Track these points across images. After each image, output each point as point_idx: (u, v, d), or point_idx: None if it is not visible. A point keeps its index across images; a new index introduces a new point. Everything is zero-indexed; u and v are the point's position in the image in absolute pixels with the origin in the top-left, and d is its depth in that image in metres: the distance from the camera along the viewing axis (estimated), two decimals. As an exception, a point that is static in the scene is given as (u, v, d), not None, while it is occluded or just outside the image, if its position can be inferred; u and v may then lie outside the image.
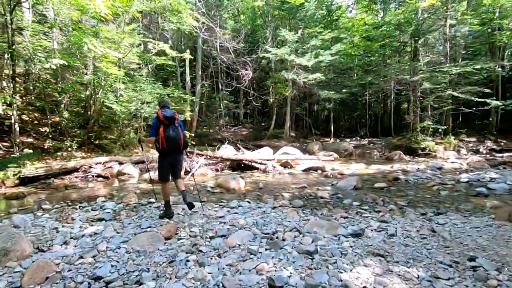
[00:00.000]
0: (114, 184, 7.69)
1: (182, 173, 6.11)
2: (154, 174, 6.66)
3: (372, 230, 3.75)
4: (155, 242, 3.46)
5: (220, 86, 17.48)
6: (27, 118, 10.90)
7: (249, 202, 5.26)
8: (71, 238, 3.73)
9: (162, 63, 13.25)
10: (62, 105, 10.65)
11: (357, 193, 6.12)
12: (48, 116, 10.35)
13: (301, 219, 4.27)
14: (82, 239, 3.65)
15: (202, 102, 14.88)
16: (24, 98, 11.79)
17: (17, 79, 12.33)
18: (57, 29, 10.20)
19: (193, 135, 12.77)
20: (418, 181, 7.21)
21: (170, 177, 4.33)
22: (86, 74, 9.69)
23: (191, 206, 4.26)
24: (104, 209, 4.96)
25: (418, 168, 8.92)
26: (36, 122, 10.97)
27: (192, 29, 11.67)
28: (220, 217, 4.36)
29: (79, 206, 5.20)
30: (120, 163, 9.20)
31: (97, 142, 10.42)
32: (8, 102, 8.17)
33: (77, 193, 6.58)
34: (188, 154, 9.49)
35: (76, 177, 8.41)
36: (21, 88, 11.50)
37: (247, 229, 3.86)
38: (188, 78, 14.02)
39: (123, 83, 11.31)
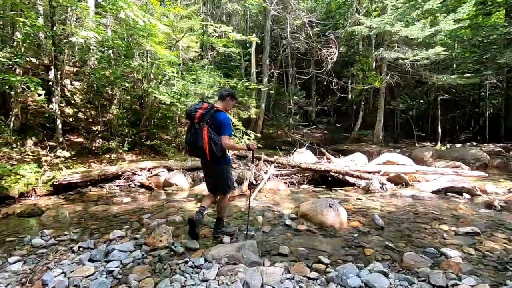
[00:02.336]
0: (156, 199, 5.67)
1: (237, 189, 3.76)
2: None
3: None
4: None
5: (290, 79, 14.86)
6: (83, 116, 9.99)
7: (386, 275, 2.41)
8: None
9: (224, 52, 11.29)
10: (115, 101, 9.40)
11: None
12: (100, 113, 9.20)
13: None
14: None
15: (272, 92, 12.28)
16: (85, 95, 11.13)
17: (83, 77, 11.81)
18: (110, 15, 8.97)
19: (259, 135, 10.38)
20: None
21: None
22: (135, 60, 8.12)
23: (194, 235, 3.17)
24: (109, 260, 2.74)
25: None
26: (90, 120, 10.01)
27: (261, 2, 9.36)
28: None
29: (79, 247, 3.10)
30: (169, 170, 7.29)
31: (148, 143, 8.81)
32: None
33: (102, 212, 4.67)
34: (255, 160, 7.09)
35: (117, 185, 6.75)
36: (84, 86, 10.78)
37: None
38: (253, 68, 11.81)
39: (181, 73, 9.60)
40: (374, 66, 12.42)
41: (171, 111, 9.01)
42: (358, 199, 5.28)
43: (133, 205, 5.17)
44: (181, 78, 9.53)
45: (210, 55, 11.53)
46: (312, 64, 12.91)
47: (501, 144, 14.16)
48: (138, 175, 6.93)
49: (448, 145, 12.91)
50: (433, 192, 5.37)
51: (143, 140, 8.82)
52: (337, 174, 6.24)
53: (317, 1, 13.21)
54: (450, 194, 5.25)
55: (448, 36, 10.07)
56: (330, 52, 10.96)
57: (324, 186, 6.42)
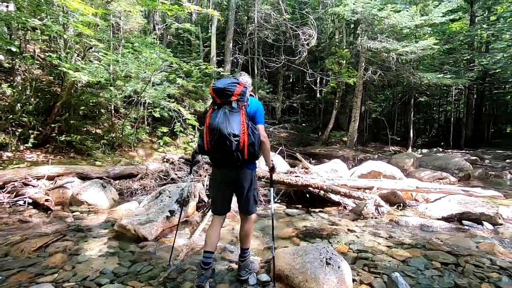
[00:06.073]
0: (45, 230, 3.58)
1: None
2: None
3: None
4: None
5: (256, 70, 13.18)
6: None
7: None
8: None
9: (179, 32, 9.20)
10: (18, 78, 6.85)
11: None
12: (-8, 94, 6.61)
13: None
14: None
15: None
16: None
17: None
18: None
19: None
20: None
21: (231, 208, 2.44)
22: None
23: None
24: None
25: None
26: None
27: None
28: None
29: None
30: (85, 178, 5.15)
31: (63, 138, 6.47)
32: None
33: None
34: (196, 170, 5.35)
35: (-3, 202, 4.46)
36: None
37: None
38: (214, 51, 9.85)
39: (121, 50, 7.37)
40: (358, 56, 11.12)
41: (99, 96, 6.75)
42: (350, 230, 3.78)
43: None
44: (120, 55, 7.30)
45: (159, 29, 9.31)
46: (283, 53, 11.37)
47: (463, 151, 14.15)
48: (33, 186, 4.71)
49: (419, 151, 12.37)
50: (444, 219, 4.08)
51: (55, 134, 6.46)
52: (318, 191, 4.70)
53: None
54: (466, 222, 4.00)
55: (434, 30, 9.29)
56: (307, 36, 9.41)
57: (300, 206, 4.87)
